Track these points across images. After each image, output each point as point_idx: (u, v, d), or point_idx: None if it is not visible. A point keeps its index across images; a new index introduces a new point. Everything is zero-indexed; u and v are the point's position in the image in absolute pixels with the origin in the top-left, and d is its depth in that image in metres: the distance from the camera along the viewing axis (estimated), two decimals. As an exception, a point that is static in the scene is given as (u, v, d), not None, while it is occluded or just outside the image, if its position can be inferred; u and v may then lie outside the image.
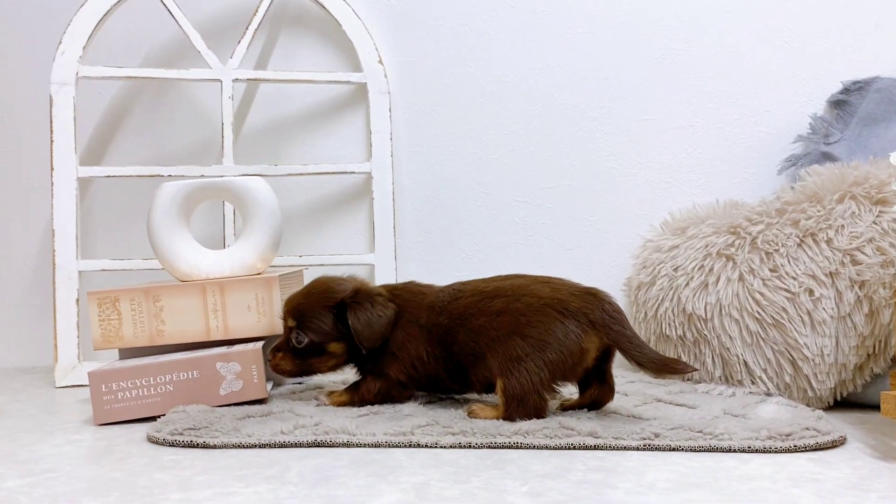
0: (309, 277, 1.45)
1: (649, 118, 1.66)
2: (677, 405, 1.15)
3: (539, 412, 1.03)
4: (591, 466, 0.88)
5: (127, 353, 1.30)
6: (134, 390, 1.13)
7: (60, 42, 1.57)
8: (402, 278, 1.66)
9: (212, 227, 1.65)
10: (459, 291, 1.14)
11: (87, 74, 1.58)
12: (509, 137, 1.69)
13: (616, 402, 1.15)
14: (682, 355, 1.33)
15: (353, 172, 1.67)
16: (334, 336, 1.12)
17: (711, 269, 1.29)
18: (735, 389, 1.23)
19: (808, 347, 1.18)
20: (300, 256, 1.65)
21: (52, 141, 1.56)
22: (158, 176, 1.60)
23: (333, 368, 1.17)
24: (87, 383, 1.47)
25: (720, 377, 1.27)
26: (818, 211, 1.24)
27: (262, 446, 0.99)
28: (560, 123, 1.68)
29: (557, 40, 1.68)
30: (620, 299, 1.58)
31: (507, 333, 1.05)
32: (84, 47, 1.58)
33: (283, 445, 0.99)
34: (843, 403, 1.22)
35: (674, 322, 1.32)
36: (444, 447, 0.97)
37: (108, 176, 1.59)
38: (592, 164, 1.67)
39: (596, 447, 0.96)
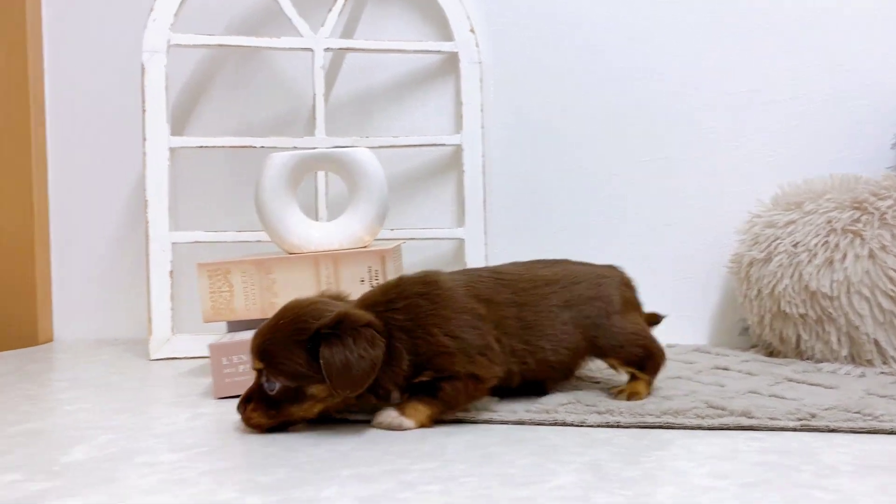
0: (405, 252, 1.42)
1: (752, 89, 1.60)
2: (812, 384, 1.12)
3: None
4: (756, 448, 0.85)
5: (235, 326, 1.28)
6: (256, 363, 1.10)
7: (152, 9, 1.54)
8: (492, 255, 1.63)
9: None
10: (506, 279, 1.05)
11: (178, 42, 1.55)
12: (604, 109, 1.64)
13: (749, 382, 1.11)
14: (803, 334, 1.29)
15: (444, 145, 1.64)
16: (312, 377, 0.87)
17: (837, 246, 1.25)
18: (864, 370, 1.19)
19: (948, 327, 1.14)
20: (391, 230, 1.62)
21: (143, 111, 1.54)
22: (250, 147, 1.57)
23: (323, 412, 0.93)
24: (182, 356, 1.49)
25: (846, 357, 1.24)
26: (954, 185, 1.19)
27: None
28: (658, 94, 1.63)
29: (656, 10, 1.63)
30: (723, 276, 1.55)
31: (604, 315, 1.05)
32: (175, 14, 1.55)
33: (464, 421, 0.96)
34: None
35: (794, 300, 1.28)
36: (592, 426, 0.94)
37: (201, 147, 1.56)
38: (692, 137, 1.62)
39: (751, 427, 0.92)
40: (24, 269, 1.72)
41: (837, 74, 1.57)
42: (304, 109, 1.71)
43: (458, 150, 1.64)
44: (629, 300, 1.10)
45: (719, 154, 1.61)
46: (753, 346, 1.47)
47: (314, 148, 1.55)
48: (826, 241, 1.26)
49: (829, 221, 1.28)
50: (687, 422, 0.93)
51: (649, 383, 1.06)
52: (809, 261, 1.27)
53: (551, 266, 1.10)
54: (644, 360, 1.05)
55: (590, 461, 0.80)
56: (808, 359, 1.30)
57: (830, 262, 1.25)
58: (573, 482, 0.73)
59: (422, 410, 0.93)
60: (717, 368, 1.25)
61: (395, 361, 0.90)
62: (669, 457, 0.82)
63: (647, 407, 0.97)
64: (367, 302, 0.95)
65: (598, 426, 0.94)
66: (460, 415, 0.96)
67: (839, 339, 1.23)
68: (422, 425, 0.93)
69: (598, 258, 1.50)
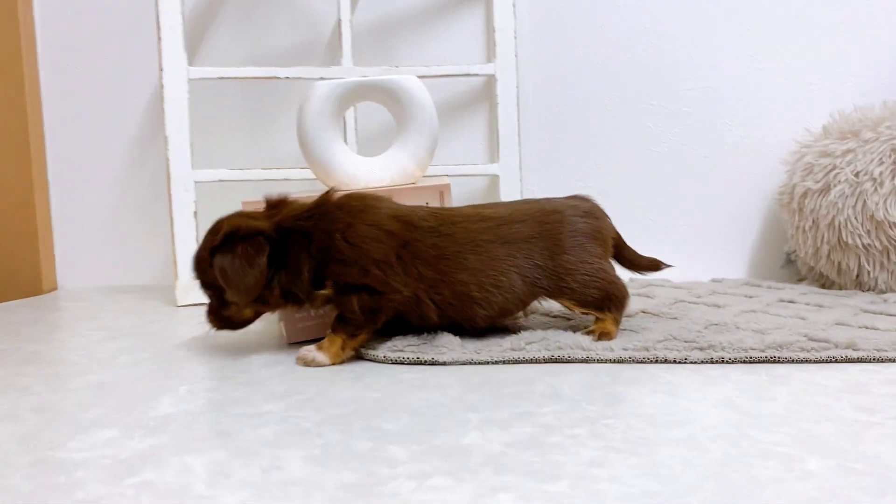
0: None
1: (798, 15, 1.54)
2: (890, 315, 1.09)
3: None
4: (880, 379, 0.82)
5: (281, 268, 1.20)
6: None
7: (164, -73, 1.41)
8: (527, 192, 1.57)
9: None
10: (442, 213, 1.01)
11: (193, -36, 1.42)
12: (644, 35, 1.57)
13: (828, 315, 1.09)
14: (866, 265, 1.27)
15: (477, 75, 1.55)
16: (221, 286, 0.93)
17: (905, 174, 1.21)
18: (933, 299, 1.18)
19: None
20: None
21: (159, 39, 1.42)
22: (274, 78, 1.47)
23: (255, 316, 1.00)
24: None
25: (914, 287, 1.22)
26: None
27: (495, 363, 0.91)
28: (701, 19, 1.56)
29: (700, -72, 1.55)
30: (763, 208, 1.52)
31: (550, 256, 0.98)
32: (189, -67, 1.42)
33: (516, 361, 0.91)
34: None
35: (857, 230, 1.26)
36: (696, 362, 0.90)
37: (221, 78, 1.46)
38: (736, 65, 1.56)
39: (860, 360, 0.89)
40: (23, 214, 1.61)
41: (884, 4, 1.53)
42: (320, 38, 1.60)
43: (490, 80, 1.56)
44: (584, 233, 1.00)
45: (764, 83, 1.56)
46: (802, 279, 1.44)
47: (342, 78, 1.46)
48: (893, 170, 1.23)
49: (895, 149, 1.24)
50: (793, 355, 0.90)
51: (616, 321, 0.99)
52: (875, 190, 1.24)
53: (505, 206, 1.04)
54: (602, 301, 0.98)
55: (722, 398, 0.76)
56: (869, 290, 1.28)
57: (898, 190, 1.22)
58: (721, 420, 0.69)
59: (334, 341, 0.94)
60: (783, 301, 1.22)
61: (295, 268, 0.93)
62: (799, 391, 0.78)
63: (746, 341, 0.93)
64: (292, 211, 0.97)
65: (702, 362, 0.90)
66: (553, 351, 0.92)
67: (906, 270, 1.21)
68: (337, 357, 0.94)
69: (633, 193, 1.46)
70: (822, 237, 1.32)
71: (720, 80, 1.56)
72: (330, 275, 0.93)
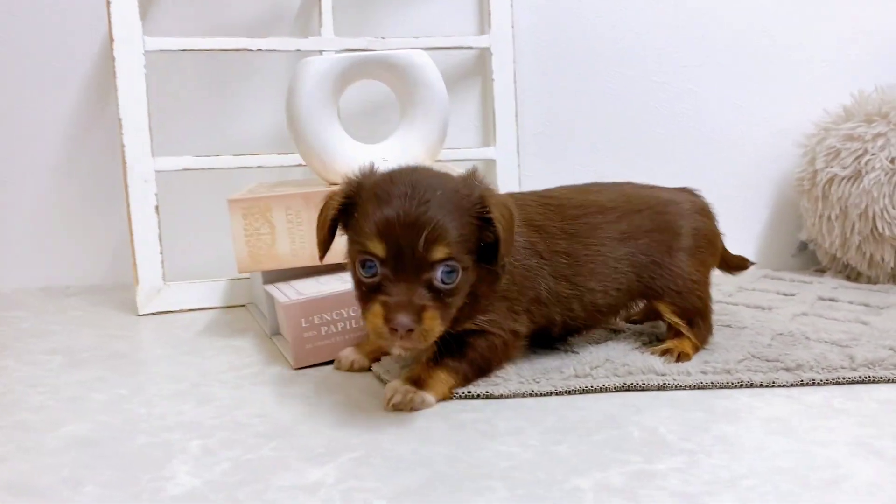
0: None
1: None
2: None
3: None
4: None
5: (273, 276, 1.04)
6: (340, 323, 0.88)
7: None
8: (525, 177, 1.44)
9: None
10: (554, 205, 0.86)
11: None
12: (651, 8, 1.45)
13: (883, 319, 1.00)
14: (903, 257, 1.19)
15: (469, 47, 1.40)
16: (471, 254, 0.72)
17: (948, 161, 1.14)
18: (979, 295, 1.11)
19: None
20: (412, 150, 1.38)
21: (108, 2, 1.21)
22: (246, 50, 1.28)
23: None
24: (177, 309, 1.23)
25: (956, 281, 1.15)
26: None
27: (559, 394, 0.78)
28: (710, -8, 1.45)
29: None
30: (783, 193, 1.44)
31: (666, 251, 0.87)
32: None
33: (584, 391, 0.78)
34: None
35: (895, 221, 1.17)
36: (784, 386, 0.79)
37: (183, 50, 1.26)
38: (745, 41, 1.46)
39: (960, 377, 0.80)
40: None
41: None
42: (289, 6, 1.41)
43: (485, 53, 1.41)
44: (702, 235, 0.90)
45: (776, 60, 1.46)
46: (820, 270, 1.37)
47: (321, 53, 1.28)
48: (935, 156, 1.15)
49: (934, 134, 1.16)
50: (887, 374, 0.80)
51: (696, 345, 0.87)
52: (915, 178, 1.16)
53: (611, 190, 0.91)
54: (697, 315, 0.87)
55: (853, 439, 0.65)
56: (905, 283, 1.20)
57: (940, 178, 1.14)
58: (874, 474, 0.58)
59: (444, 380, 0.76)
60: (823, 300, 1.13)
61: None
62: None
63: (830, 358, 0.83)
64: None
65: (792, 385, 0.79)
66: (624, 377, 0.79)
67: (948, 263, 1.14)
68: (444, 398, 0.76)
69: (636, 176, 1.33)
70: (853, 227, 1.24)
71: (729, 56, 1.46)
72: (482, 305, 0.77)
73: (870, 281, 1.25)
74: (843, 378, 0.80)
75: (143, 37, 1.23)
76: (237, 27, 1.38)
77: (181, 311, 1.24)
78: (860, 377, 0.80)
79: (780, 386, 0.79)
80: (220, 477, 0.61)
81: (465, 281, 0.71)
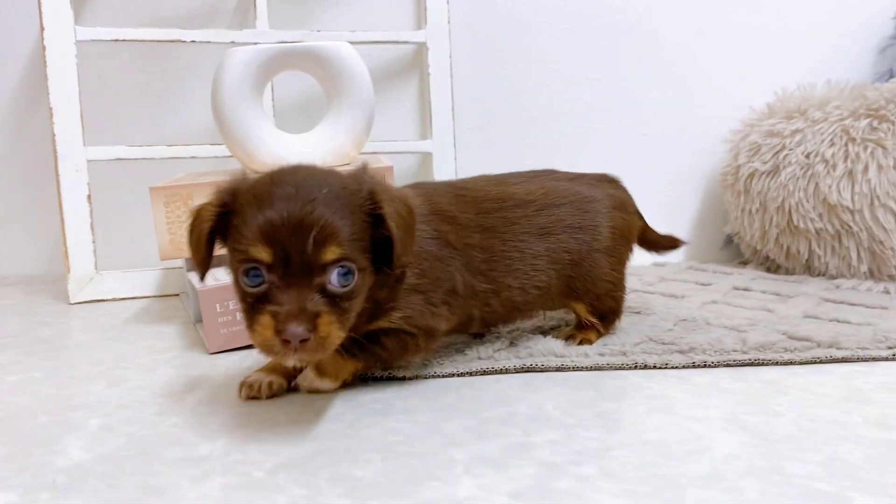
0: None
1: (736, -10, 1.49)
2: (853, 304, 1.06)
3: None
4: (875, 383, 0.77)
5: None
6: (254, 310, 0.90)
7: None
8: (461, 170, 1.46)
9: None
10: (469, 197, 0.83)
11: None
12: (584, 6, 1.48)
13: (791, 306, 1.04)
14: (817, 249, 1.23)
15: (406, 42, 1.42)
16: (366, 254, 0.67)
17: (858, 157, 1.18)
18: (885, 285, 1.16)
19: (978, 239, 1.11)
20: (349, 142, 1.40)
21: (38, -8, 1.21)
22: (179, 41, 1.29)
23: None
24: (109, 297, 1.24)
25: (865, 272, 1.19)
26: (979, 92, 1.14)
27: (461, 375, 0.81)
28: (641, -9, 1.49)
29: None
30: (710, 188, 1.48)
31: (587, 251, 0.86)
32: None
33: (485, 372, 0.81)
34: None
35: (809, 214, 1.22)
36: (677, 367, 0.82)
37: (116, 40, 1.26)
38: (676, 39, 1.50)
39: (844, 360, 0.84)
40: None
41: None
42: (227, -1, 1.42)
43: (422, 48, 1.44)
44: (621, 233, 0.89)
45: (702, 58, 1.50)
46: (744, 262, 1.41)
47: (259, 43, 1.30)
48: (846, 152, 1.19)
49: (846, 130, 1.21)
50: (777, 356, 0.84)
51: (600, 334, 0.89)
52: (828, 172, 1.20)
53: (531, 181, 0.88)
54: (610, 313, 0.89)
55: (725, 415, 0.68)
56: (819, 275, 1.25)
57: (851, 173, 1.18)
58: (738, 447, 0.62)
59: (345, 367, 0.75)
60: (738, 289, 1.18)
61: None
62: (800, 402, 0.72)
63: (725, 342, 0.86)
64: None
65: (684, 367, 0.83)
66: (525, 359, 0.82)
67: (859, 254, 1.19)
68: (342, 383, 0.76)
69: (575, 169, 1.37)
70: (771, 220, 1.28)
71: (660, 53, 1.49)
72: (392, 302, 0.73)
73: (787, 272, 1.30)
74: (734, 360, 0.83)
75: (74, 26, 1.23)
76: (176, 18, 1.39)
77: (113, 299, 1.25)
78: (750, 359, 0.83)
79: (672, 367, 0.82)
80: (112, 451, 0.62)
81: (363, 282, 0.66)
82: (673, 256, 1.50)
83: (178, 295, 1.27)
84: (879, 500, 0.52)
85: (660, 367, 0.82)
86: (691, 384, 0.77)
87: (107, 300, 1.25)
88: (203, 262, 0.69)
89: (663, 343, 0.86)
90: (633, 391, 0.76)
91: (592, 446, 0.62)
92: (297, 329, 0.60)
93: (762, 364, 0.83)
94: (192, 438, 0.65)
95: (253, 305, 0.64)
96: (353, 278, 0.64)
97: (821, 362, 0.84)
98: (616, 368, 0.82)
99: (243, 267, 0.63)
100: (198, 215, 0.68)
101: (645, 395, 0.74)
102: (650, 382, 0.78)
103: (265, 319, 0.62)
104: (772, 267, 1.33)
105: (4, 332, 1.03)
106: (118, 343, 0.98)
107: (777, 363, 0.83)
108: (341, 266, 0.64)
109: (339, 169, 0.73)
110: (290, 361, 0.70)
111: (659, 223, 1.49)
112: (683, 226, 1.54)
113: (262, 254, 0.62)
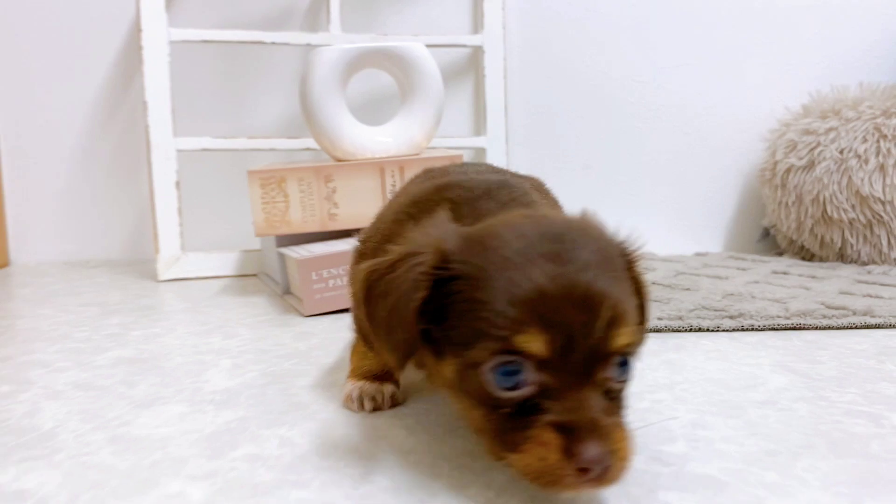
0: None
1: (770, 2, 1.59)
2: (883, 285, 1.15)
3: None
4: (904, 344, 0.86)
5: (285, 241, 1.17)
6: (345, 277, 1.01)
7: None
8: (512, 164, 1.57)
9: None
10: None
11: (175, -81, 1.35)
12: (629, 10, 1.59)
13: (827, 285, 1.14)
14: (850, 238, 1.33)
15: (464, 45, 1.54)
16: None
17: (889, 152, 1.28)
18: (915, 270, 1.24)
19: None
20: (411, 138, 1.51)
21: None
22: (259, 43, 1.41)
23: None
24: (194, 276, 1.35)
25: (895, 259, 1.28)
26: None
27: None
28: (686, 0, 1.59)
29: None
30: (748, 184, 1.57)
31: None
32: None
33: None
34: None
35: (842, 205, 1.31)
36: (728, 330, 0.92)
37: (204, 41, 1.39)
38: (717, 45, 1.60)
39: (878, 326, 0.93)
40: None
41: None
42: (300, 3, 1.55)
43: (477, 51, 1.55)
44: None
45: (742, 62, 1.60)
46: (780, 252, 1.50)
47: (330, 45, 1.42)
48: (878, 147, 1.28)
49: (878, 128, 1.30)
50: (816, 322, 0.93)
51: None
52: (860, 166, 1.29)
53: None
54: None
55: (775, 362, 0.78)
56: (852, 262, 1.34)
57: (882, 167, 1.28)
58: (788, 383, 0.71)
59: None
60: (776, 273, 1.27)
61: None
62: (840, 355, 0.81)
63: (769, 310, 0.96)
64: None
65: (734, 330, 0.92)
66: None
67: (889, 242, 1.28)
68: None
69: (615, 167, 1.49)
70: (806, 211, 1.37)
71: (702, 58, 1.59)
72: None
73: (821, 260, 1.39)
74: (778, 325, 0.93)
75: (168, 28, 1.36)
76: (253, 21, 1.52)
77: (197, 278, 1.37)
78: (792, 324, 0.93)
79: (723, 330, 0.92)
80: (251, 380, 0.73)
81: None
82: (713, 247, 1.61)
83: (255, 275, 1.39)
84: (848, 396, 0.62)
85: (713, 330, 0.92)
86: (741, 342, 0.87)
87: (191, 279, 1.37)
88: (410, 344, 0.48)
89: (715, 310, 0.96)
90: (691, 346, 0.85)
91: (663, 382, 0.72)
92: (600, 452, 0.42)
93: (803, 328, 0.93)
94: (316, 372, 0.76)
95: (508, 419, 0.45)
96: (628, 369, 0.48)
97: (856, 328, 0.93)
98: (674, 331, 0.92)
99: (495, 361, 0.45)
100: (398, 280, 0.48)
101: (702, 350, 0.84)
102: (705, 341, 0.88)
103: (548, 437, 0.43)
104: (806, 256, 1.42)
105: (110, 302, 1.15)
106: (218, 310, 1.09)
107: (816, 328, 0.93)
108: (625, 355, 0.47)
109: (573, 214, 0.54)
110: (571, 495, 0.47)
111: (700, 217, 1.59)
112: (723, 220, 1.63)
113: (536, 343, 0.44)
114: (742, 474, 0.52)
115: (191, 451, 0.56)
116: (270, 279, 1.27)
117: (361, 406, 0.64)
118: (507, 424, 0.45)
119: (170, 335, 0.93)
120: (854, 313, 0.95)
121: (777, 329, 0.93)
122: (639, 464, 0.52)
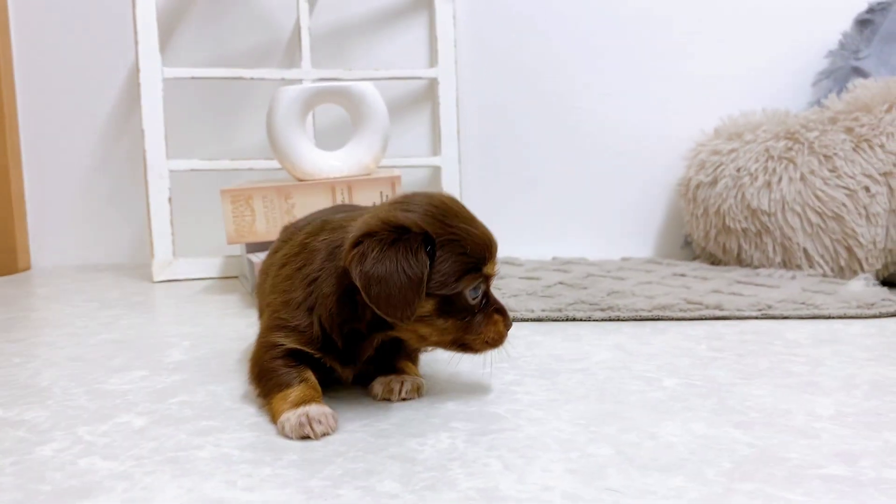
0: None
1: (694, 31, 1.80)
2: (758, 285, 1.35)
3: None
4: (735, 331, 1.07)
5: (254, 248, 1.40)
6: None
7: (141, -60, 1.57)
8: (466, 181, 1.79)
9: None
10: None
11: (167, -25, 1.59)
12: (564, 47, 1.80)
13: (708, 284, 1.34)
14: (744, 245, 1.53)
15: (420, 78, 1.76)
16: None
17: (774, 171, 1.48)
18: (794, 273, 1.44)
19: (863, 236, 1.40)
20: (374, 158, 1.74)
21: (136, 42, 1.58)
22: (240, 79, 1.65)
23: None
24: (183, 278, 1.59)
25: (779, 263, 1.48)
26: (871, 119, 1.43)
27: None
28: (610, 36, 1.80)
29: (614, -46, 1.79)
30: (671, 197, 1.78)
31: None
32: (163, -53, 1.58)
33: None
34: (884, 282, 1.45)
35: (738, 216, 1.52)
36: (597, 320, 1.14)
37: (193, 77, 1.63)
38: (645, 75, 1.81)
39: (724, 317, 1.14)
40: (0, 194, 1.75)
41: (766, 22, 1.79)
42: (278, 41, 1.78)
43: (433, 83, 1.78)
44: None
45: (666, 89, 1.81)
46: (696, 258, 1.71)
47: (301, 81, 1.65)
48: (766, 167, 1.49)
49: (767, 150, 1.51)
50: (673, 314, 1.14)
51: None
52: (751, 183, 1.50)
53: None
54: None
55: (613, 343, 1.00)
56: (747, 266, 1.54)
57: (769, 184, 1.48)
58: (609, 357, 0.93)
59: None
60: (676, 275, 1.47)
61: None
62: (671, 339, 1.02)
63: (637, 304, 1.17)
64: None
65: (602, 320, 1.14)
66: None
67: (774, 249, 1.48)
68: None
69: (557, 182, 1.70)
70: (711, 222, 1.58)
71: (631, 85, 1.81)
72: None
73: (724, 265, 1.59)
74: (639, 316, 1.14)
75: (162, 67, 1.60)
76: (236, 58, 1.76)
77: (186, 279, 1.61)
78: (652, 315, 1.14)
79: (594, 320, 1.14)
80: (201, 356, 0.96)
81: None
82: (644, 253, 1.81)
83: (236, 277, 1.62)
84: (678, 380, 0.83)
85: (584, 320, 1.14)
86: (603, 330, 1.08)
87: (181, 280, 1.60)
88: (421, 296, 0.70)
89: (591, 304, 1.18)
90: (559, 332, 1.07)
91: (514, 355, 0.93)
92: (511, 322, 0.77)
93: (660, 319, 1.14)
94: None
95: (466, 314, 0.73)
96: None
97: (706, 319, 1.14)
98: (552, 320, 1.14)
99: (475, 283, 0.72)
100: (409, 245, 0.70)
101: (565, 334, 1.06)
102: (574, 329, 1.09)
103: (497, 318, 0.75)
104: (714, 261, 1.63)
105: (109, 298, 1.39)
106: (195, 305, 1.32)
107: (672, 318, 1.14)
108: None
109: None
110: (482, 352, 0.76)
111: (632, 226, 1.80)
112: (652, 229, 1.84)
113: (491, 268, 0.74)
114: (520, 413, 0.74)
115: (141, 398, 0.79)
116: (247, 280, 1.50)
117: (313, 431, 0.67)
118: (472, 320, 0.73)
119: (151, 324, 1.17)
120: (707, 307, 1.16)
121: (639, 320, 1.14)
122: (453, 407, 0.74)
